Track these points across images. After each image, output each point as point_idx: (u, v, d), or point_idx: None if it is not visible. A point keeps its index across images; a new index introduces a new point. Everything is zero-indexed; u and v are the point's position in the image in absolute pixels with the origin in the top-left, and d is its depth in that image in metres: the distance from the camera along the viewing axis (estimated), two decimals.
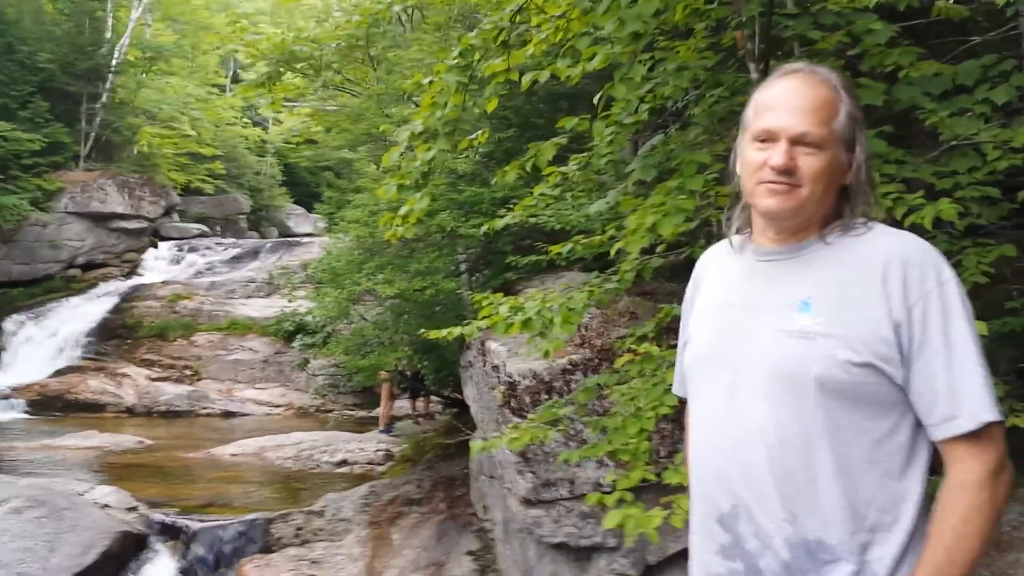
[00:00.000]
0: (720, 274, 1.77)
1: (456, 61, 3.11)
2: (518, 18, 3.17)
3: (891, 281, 1.50)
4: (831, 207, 1.60)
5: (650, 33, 3.33)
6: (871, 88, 3.11)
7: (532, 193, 3.84)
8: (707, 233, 6.03)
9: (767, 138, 1.56)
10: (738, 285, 1.69)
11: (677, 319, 4.03)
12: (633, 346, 3.47)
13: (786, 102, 1.56)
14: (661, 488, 3.39)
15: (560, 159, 3.91)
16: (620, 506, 2.95)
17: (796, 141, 1.53)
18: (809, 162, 1.54)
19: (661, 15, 3.27)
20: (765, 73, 3.22)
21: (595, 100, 3.21)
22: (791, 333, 1.53)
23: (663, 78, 3.23)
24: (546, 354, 3.21)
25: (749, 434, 1.56)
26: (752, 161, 1.59)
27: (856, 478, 1.50)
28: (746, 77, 3.32)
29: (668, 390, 3.11)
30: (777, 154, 1.54)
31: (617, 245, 3.09)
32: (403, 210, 3.27)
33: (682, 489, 2.87)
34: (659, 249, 3.87)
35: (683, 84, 3.20)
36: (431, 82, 3.20)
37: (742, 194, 1.69)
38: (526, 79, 3.16)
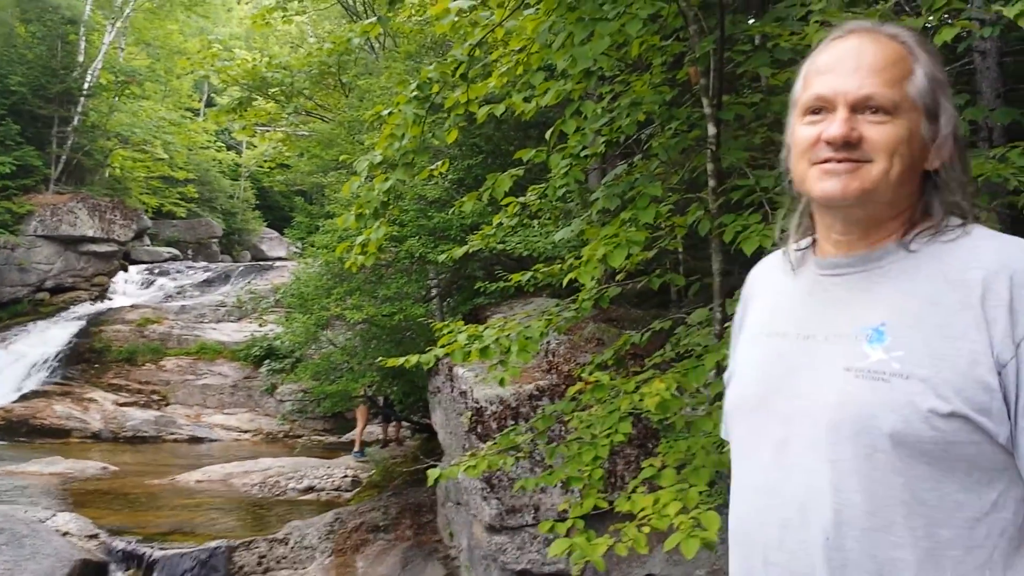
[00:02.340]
0: (773, 292, 1.41)
1: (415, 94, 3.17)
2: (478, 52, 3.24)
3: (994, 304, 1.13)
4: (915, 201, 1.25)
5: (610, 68, 3.41)
6: None
7: (493, 222, 3.90)
8: (673, 260, 6.13)
9: (821, 107, 1.24)
10: (794, 307, 1.34)
11: (636, 346, 4.11)
12: (584, 375, 3.52)
13: (844, 62, 1.23)
14: (618, 515, 3.42)
15: (524, 188, 3.98)
16: (571, 534, 2.97)
17: (859, 107, 1.21)
18: (878, 131, 1.20)
19: (621, 49, 3.37)
20: (719, 107, 3.32)
21: (547, 135, 3.28)
22: (860, 372, 1.18)
23: (619, 112, 3.31)
24: (502, 382, 3.25)
25: (802, 509, 1.19)
26: (802, 139, 1.26)
27: (947, 572, 1.12)
28: (700, 111, 3.41)
29: (623, 418, 3.17)
30: (834, 124, 1.21)
31: (570, 275, 3.14)
32: (360, 239, 3.31)
33: (631, 517, 2.91)
34: (618, 277, 3.93)
35: (638, 118, 3.27)
36: (390, 113, 3.26)
37: (798, 192, 1.35)
38: (482, 112, 3.22)
